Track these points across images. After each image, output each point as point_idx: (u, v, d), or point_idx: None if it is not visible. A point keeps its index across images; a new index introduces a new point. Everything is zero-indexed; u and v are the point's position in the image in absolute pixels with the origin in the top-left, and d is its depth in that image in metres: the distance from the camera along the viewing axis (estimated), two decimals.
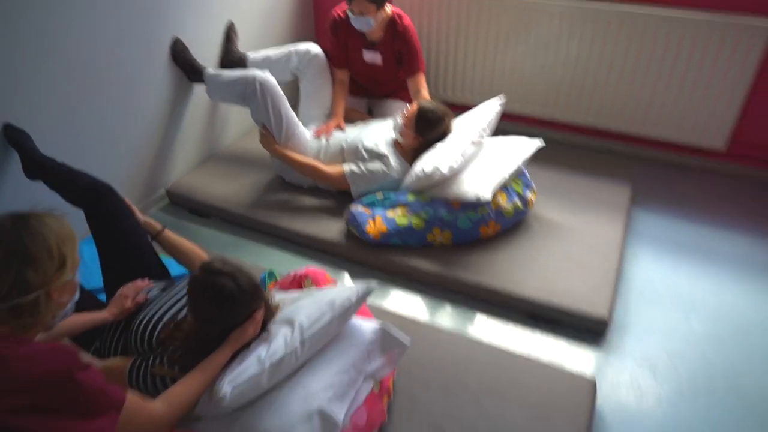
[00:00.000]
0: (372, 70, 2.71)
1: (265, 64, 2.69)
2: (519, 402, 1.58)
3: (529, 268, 2.06)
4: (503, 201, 2.17)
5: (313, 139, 2.51)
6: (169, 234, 1.77)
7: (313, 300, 1.44)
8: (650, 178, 2.70)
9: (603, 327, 1.89)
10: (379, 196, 2.27)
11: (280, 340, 1.33)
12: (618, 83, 2.68)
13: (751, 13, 2.34)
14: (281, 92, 2.38)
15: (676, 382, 1.75)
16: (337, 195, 2.47)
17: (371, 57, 2.65)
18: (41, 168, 1.81)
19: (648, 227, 2.40)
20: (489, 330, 1.95)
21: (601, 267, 2.06)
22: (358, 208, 2.21)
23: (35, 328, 1.07)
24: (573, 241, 2.19)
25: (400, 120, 2.33)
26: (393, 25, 2.56)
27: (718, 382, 1.75)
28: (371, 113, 2.94)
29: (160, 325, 1.45)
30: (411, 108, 2.31)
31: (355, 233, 2.20)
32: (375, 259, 2.19)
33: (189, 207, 2.57)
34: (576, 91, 2.79)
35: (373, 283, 1.48)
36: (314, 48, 2.65)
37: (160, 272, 1.74)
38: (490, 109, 2.32)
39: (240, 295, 1.28)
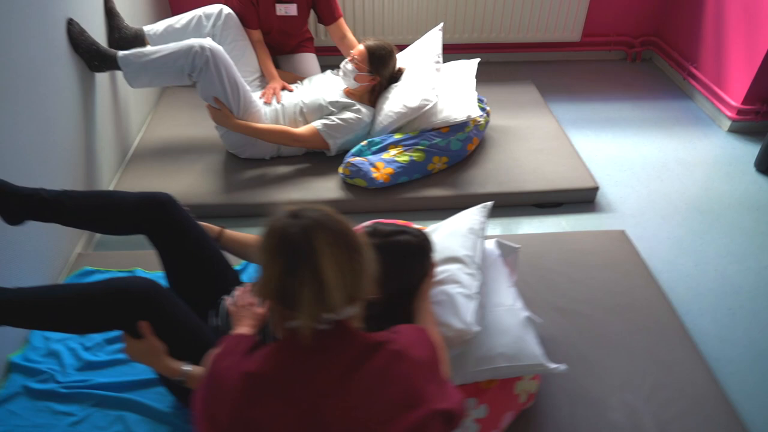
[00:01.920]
0: (285, 23, 2.57)
1: (169, 35, 2.34)
2: (589, 265, 1.90)
3: (518, 168, 2.34)
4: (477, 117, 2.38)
5: (265, 105, 2.33)
6: (230, 232, 1.57)
7: (451, 233, 1.49)
8: (539, 76, 3.18)
9: (594, 193, 2.30)
10: (364, 144, 2.27)
11: (463, 276, 1.37)
12: (489, 1, 3.03)
13: None
14: (230, 59, 2.13)
15: (656, 207, 2.27)
16: (304, 158, 2.38)
17: (285, 9, 2.50)
18: (45, 205, 1.38)
19: (561, 113, 2.88)
20: (517, 226, 2.20)
21: (564, 150, 2.46)
22: (355, 160, 2.19)
23: None
24: (530, 138, 2.54)
25: (350, 66, 2.31)
26: None
27: (674, 197, 2.32)
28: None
29: None
30: (357, 51, 2.30)
31: (361, 184, 2.19)
32: (384, 202, 2.22)
33: None
34: (461, 12, 3.06)
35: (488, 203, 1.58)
36: (225, 8, 2.39)
37: (235, 278, 1.55)
38: (434, 38, 2.45)
39: (424, 243, 1.28)
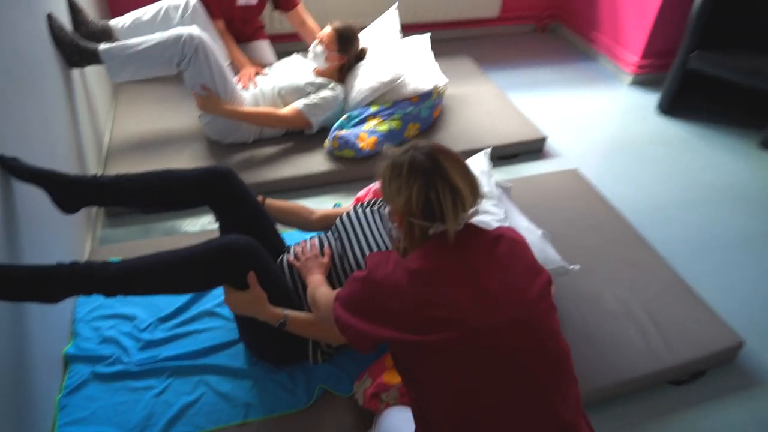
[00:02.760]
0: (246, 12, 2.66)
1: (137, 28, 2.35)
2: (556, 198, 2.27)
3: (477, 128, 2.66)
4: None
5: (243, 90, 2.43)
6: (271, 200, 1.71)
7: None
8: (469, 49, 3.53)
9: (543, 143, 2.69)
10: (344, 119, 2.46)
11: (490, 207, 1.65)
12: None
13: None
14: (214, 46, 2.21)
15: (592, 149, 2.70)
16: (285, 138, 2.52)
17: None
18: (105, 189, 1.43)
19: (496, 79, 3.25)
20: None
21: (509, 110, 2.82)
22: (341, 133, 2.38)
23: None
24: (480, 102, 2.87)
25: (320, 48, 2.48)
26: None
27: (602, 140, 2.78)
28: None
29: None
30: (325, 34, 2.48)
31: (350, 154, 2.38)
32: (370, 169, 2.39)
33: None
34: None
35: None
36: None
37: (282, 245, 1.70)
38: (392, 17, 2.68)
39: None
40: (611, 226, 2.17)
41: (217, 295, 1.79)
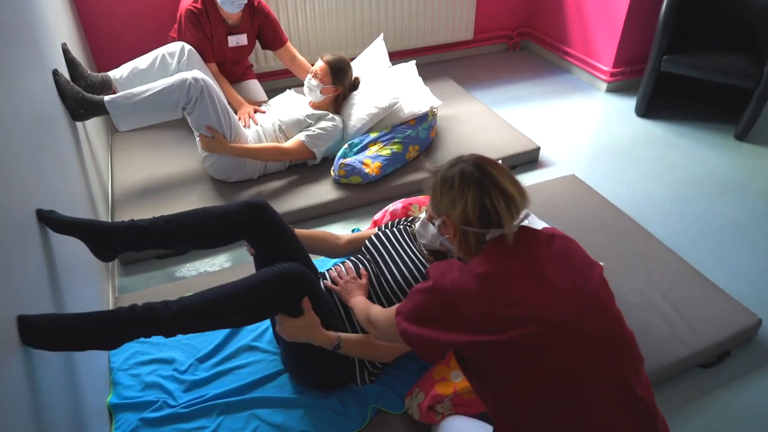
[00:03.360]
0: (237, 53, 2.72)
1: (135, 77, 2.38)
2: (561, 203, 2.37)
3: (473, 145, 2.75)
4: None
5: (245, 128, 2.47)
6: (300, 230, 1.74)
7: None
8: (450, 71, 3.66)
9: (538, 153, 2.79)
10: (346, 147, 2.52)
11: None
12: (402, 15, 3.45)
13: None
14: (217, 87, 2.25)
15: (583, 154, 2.82)
16: (290, 171, 2.56)
17: (237, 40, 2.66)
18: (143, 233, 1.44)
19: (480, 97, 3.37)
20: None
21: (501, 125, 2.93)
22: (347, 161, 2.43)
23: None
24: (470, 120, 2.97)
25: (314, 81, 2.55)
26: (249, 2, 2.63)
27: (590, 145, 2.90)
28: None
29: (413, 267, 1.59)
30: (318, 67, 2.55)
31: (357, 180, 2.43)
32: (377, 193, 2.48)
33: (157, 255, 2.20)
34: (375, 27, 3.44)
35: None
36: (185, 44, 2.48)
37: (316, 272, 1.72)
38: (379, 47, 2.78)
39: None
40: (616, 224, 2.26)
41: (252, 329, 1.79)
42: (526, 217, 1.14)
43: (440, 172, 1.20)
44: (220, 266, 2.16)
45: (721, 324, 1.81)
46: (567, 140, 2.99)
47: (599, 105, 3.35)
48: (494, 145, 2.75)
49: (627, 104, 3.34)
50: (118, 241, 1.45)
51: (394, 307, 1.22)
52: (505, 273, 1.06)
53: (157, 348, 1.72)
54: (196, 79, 2.15)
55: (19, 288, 1.11)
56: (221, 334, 1.77)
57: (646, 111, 3.19)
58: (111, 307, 1.90)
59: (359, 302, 1.46)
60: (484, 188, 1.11)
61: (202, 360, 1.69)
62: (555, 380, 0.99)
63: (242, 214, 1.51)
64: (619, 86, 3.48)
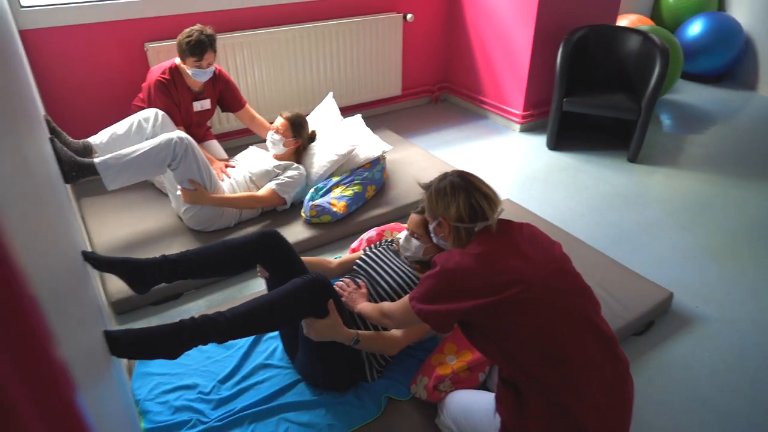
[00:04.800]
0: (201, 116, 2.98)
1: (114, 142, 2.56)
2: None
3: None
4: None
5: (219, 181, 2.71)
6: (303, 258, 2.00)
7: None
8: (385, 123, 4.10)
9: None
10: (313, 191, 2.82)
11: None
12: (339, 76, 3.88)
13: (385, 11, 3.96)
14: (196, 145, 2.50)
15: (513, 186, 3.30)
16: (262, 216, 2.81)
17: (201, 105, 2.93)
18: (175, 265, 1.64)
19: (416, 143, 3.82)
20: None
21: (439, 165, 3.37)
22: (316, 203, 2.73)
23: None
24: (413, 162, 3.39)
25: (277, 136, 2.86)
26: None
27: (517, 177, 3.41)
28: None
29: (402, 274, 1.90)
30: (280, 123, 2.87)
31: (327, 219, 2.73)
32: (345, 229, 2.78)
33: (150, 302, 2.34)
34: (318, 87, 3.83)
35: None
36: (158, 111, 2.71)
37: None
38: (330, 104, 3.15)
39: None
40: (552, 235, 2.68)
41: (263, 351, 1.99)
42: (501, 211, 1.51)
43: (433, 185, 1.55)
44: (210, 305, 2.34)
45: (644, 300, 2.26)
46: (494, 173, 3.48)
47: (516, 143, 3.91)
48: None
49: (539, 140, 3.93)
50: (153, 275, 1.64)
51: (405, 297, 1.52)
52: (495, 252, 1.41)
53: (178, 377, 1.87)
54: (180, 138, 2.39)
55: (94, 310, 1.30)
56: (235, 358, 1.95)
57: (555, 144, 3.78)
58: None
59: (365, 306, 1.74)
60: (470, 192, 1.47)
61: (223, 381, 1.87)
62: (542, 322, 1.33)
63: (260, 243, 1.76)
64: (530, 126, 4.08)
